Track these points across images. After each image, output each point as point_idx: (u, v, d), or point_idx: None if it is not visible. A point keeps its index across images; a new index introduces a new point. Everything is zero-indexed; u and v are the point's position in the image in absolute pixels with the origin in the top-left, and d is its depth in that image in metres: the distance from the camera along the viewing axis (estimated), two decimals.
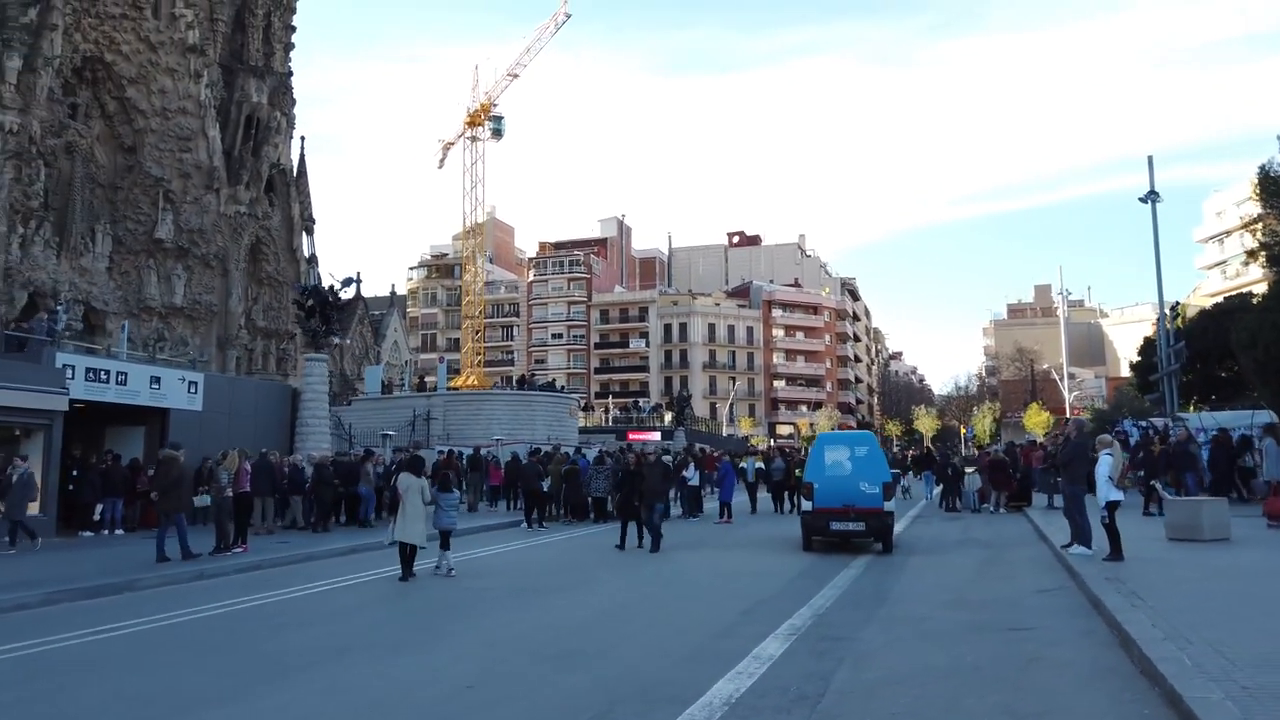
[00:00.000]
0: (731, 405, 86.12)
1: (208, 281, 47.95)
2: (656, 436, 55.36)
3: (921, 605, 10.61)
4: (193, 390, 21.66)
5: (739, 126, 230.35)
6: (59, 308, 36.72)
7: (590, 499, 24.01)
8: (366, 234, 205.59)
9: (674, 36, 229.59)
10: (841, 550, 16.32)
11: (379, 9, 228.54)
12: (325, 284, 26.39)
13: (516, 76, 79.86)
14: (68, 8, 40.82)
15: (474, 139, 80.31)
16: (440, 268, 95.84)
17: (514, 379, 55.53)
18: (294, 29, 56.47)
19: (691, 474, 24.00)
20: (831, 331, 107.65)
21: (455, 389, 69.66)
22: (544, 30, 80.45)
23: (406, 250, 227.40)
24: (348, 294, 28.23)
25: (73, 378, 18.39)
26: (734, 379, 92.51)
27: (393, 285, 70.75)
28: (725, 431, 78.23)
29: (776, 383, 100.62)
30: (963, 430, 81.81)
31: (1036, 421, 75.27)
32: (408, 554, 13.03)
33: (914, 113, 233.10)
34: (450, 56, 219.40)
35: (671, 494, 22.84)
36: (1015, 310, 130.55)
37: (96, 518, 18.59)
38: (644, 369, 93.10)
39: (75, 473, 19.20)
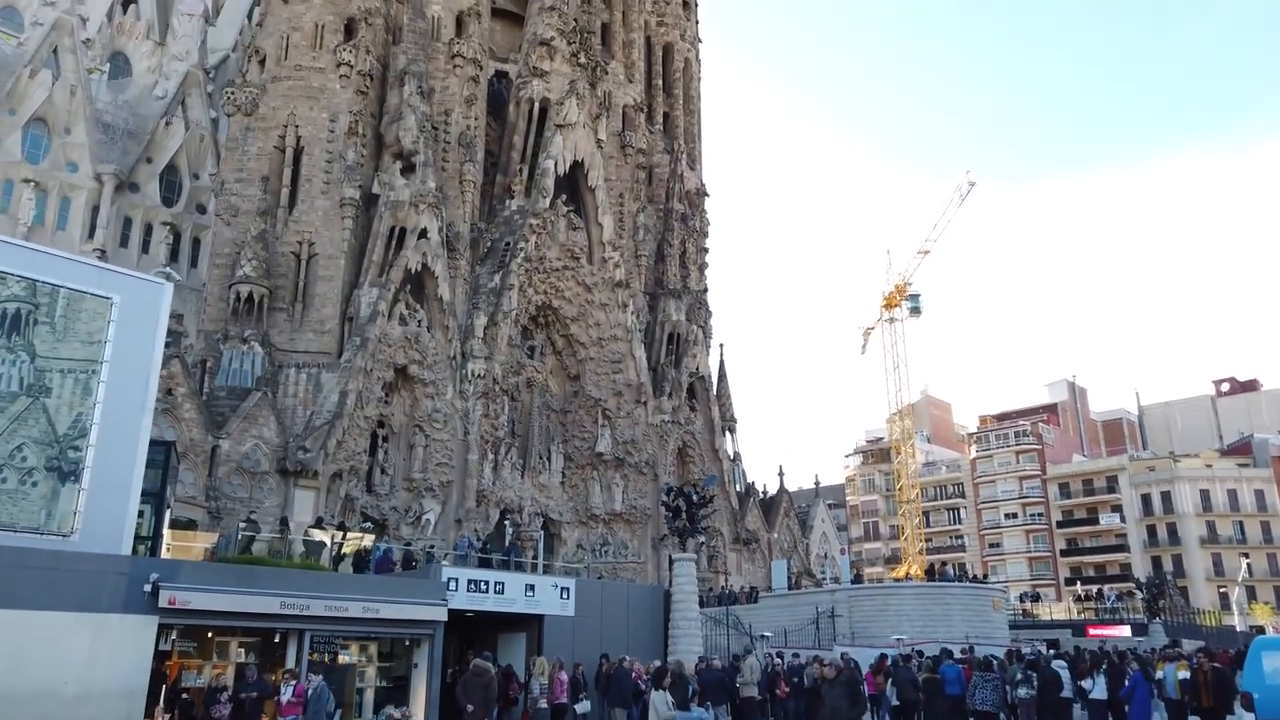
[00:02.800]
0: (1242, 589, 70.49)
1: (641, 487, 52.50)
2: (1125, 631, 46.96)
3: None
4: (565, 596, 23.30)
5: (1212, 251, 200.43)
6: (507, 521, 42.76)
7: (973, 713, 20.92)
8: (791, 426, 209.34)
9: (1106, 172, 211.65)
10: None
11: (774, 208, 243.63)
12: (692, 483, 27.33)
13: (928, 253, 79.40)
14: (521, 269, 49.65)
15: (893, 320, 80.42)
16: (875, 453, 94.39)
17: (932, 567, 51.60)
18: (707, 250, 62.60)
19: (1093, 685, 19.72)
20: None
21: (899, 580, 66.36)
22: (949, 203, 79.63)
23: (838, 438, 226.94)
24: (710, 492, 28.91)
25: (455, 589, 20.88)
26: (1245, 555, 76.05)
27: (816, 476, 70.86)
28: (1238, 624, 63.86)
29: None
30: None
31: None
32: None
33: None
34: (859, 238, 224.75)
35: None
36: None
37: None
38: (1121, 548, 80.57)
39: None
